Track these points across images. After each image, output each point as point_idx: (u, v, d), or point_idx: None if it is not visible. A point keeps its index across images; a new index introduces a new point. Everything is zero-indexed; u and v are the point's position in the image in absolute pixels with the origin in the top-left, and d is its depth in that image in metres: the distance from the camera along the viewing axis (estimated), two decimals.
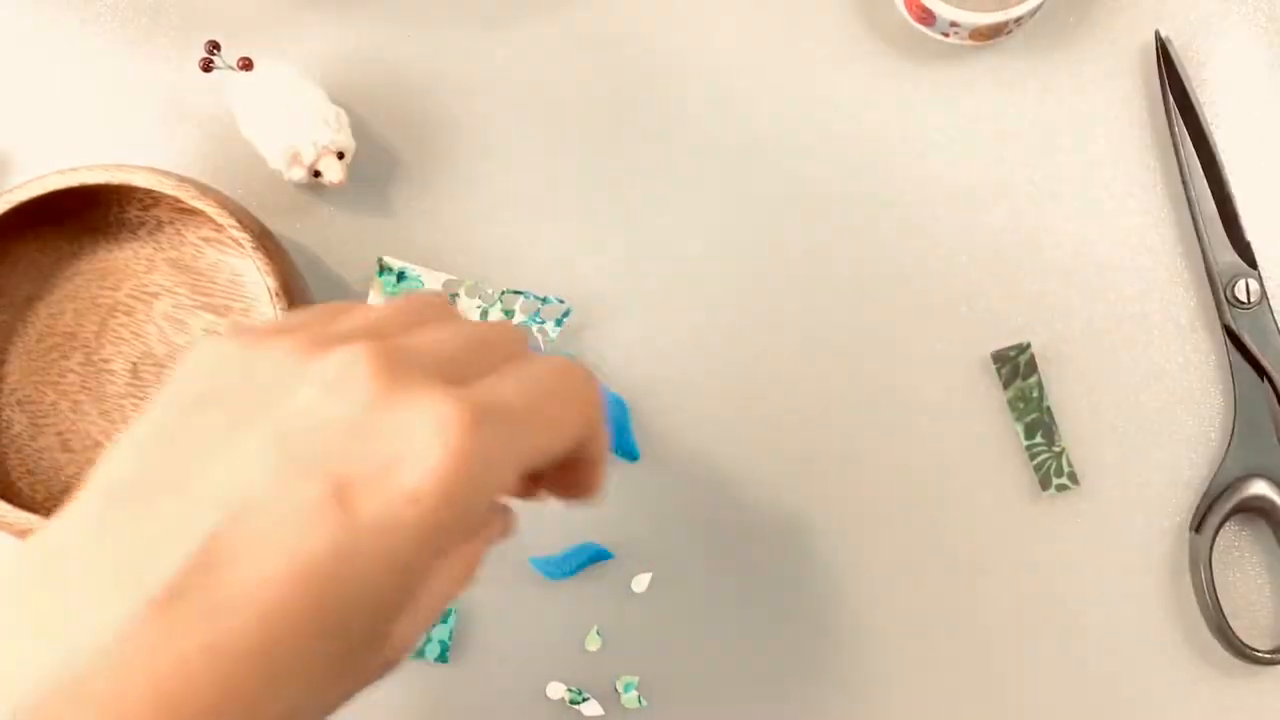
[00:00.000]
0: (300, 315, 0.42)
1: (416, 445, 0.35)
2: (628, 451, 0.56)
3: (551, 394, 0.40)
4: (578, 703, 0.55)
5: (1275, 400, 0.56)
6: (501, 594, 0.56)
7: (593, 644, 0.55)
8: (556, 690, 0.55)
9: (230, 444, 0.36)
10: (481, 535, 0.40)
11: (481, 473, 0.36)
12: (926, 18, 0.57)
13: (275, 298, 0.53)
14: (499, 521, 0.42)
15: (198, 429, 0.36)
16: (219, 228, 0.54)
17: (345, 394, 0.36)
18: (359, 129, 0.58)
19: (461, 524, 0.37)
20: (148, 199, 0.54)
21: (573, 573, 0.55)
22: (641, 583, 0.56)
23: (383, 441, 0.36)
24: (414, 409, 0.36)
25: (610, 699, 0.55)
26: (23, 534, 0.52)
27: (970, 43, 0.58)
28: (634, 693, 0.55)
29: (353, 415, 0.36)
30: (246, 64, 0.55)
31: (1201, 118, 0.57)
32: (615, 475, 0.56)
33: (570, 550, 0.55)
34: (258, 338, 0.39)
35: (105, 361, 0.55)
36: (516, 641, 0.55)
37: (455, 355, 0.40)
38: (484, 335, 0.41)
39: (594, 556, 0.55)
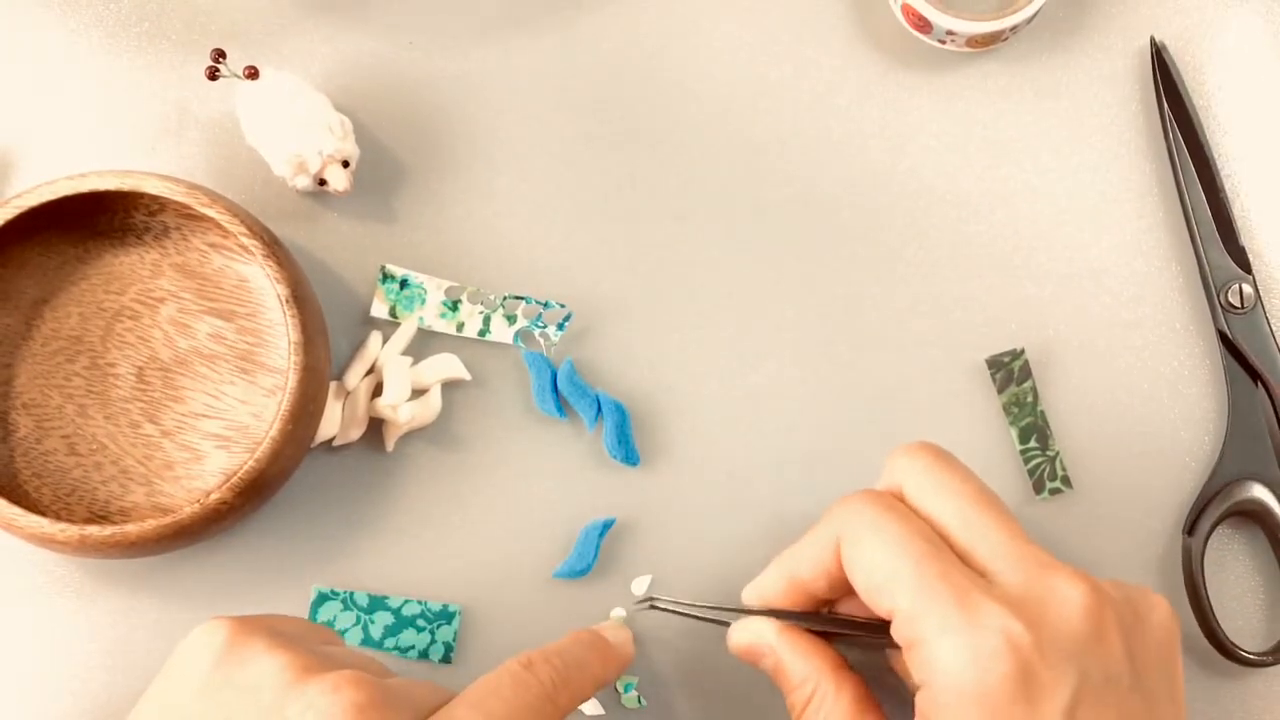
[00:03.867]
0: (296, 624, 0.48)
1: None
2: (628, 456, 0.56)
3: (515, 714, 0.44)
4: None
5: (1269, 404, 0.56)
6: (504, 596, 0.56)
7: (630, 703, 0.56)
8: None
9: None
10: None
11: None
12: (923, 25, 0.58)
13: (287, 305, 0.53)
14: None
15: None
16: (225, 233, 0.54)
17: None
18: (363, 136, 0.58)
19: None
20: (154, 205, 0.55)
21: (596, 557, 0.55)
22: (641, 584, 0.56)
23: None
24: None
25: (610, 699, 0.56)
26: (32, 538, 0.52)
27: (966, 50, 0.59)
28: (634, 693, 0.55)
29: None
30: (252, 72, 0.56)
31: (1196, 123, 0.58)
32: (616, 480, 0.57)
33: (580, 541, 0.56)
34: (261, 639, 0.44)
35: (111, 365, 0.56)
36: (519, 643, 0.55)
37: (426, 699, 0.44)
38: (443, 690, 0.45)
39: (604, 530, 0.56)
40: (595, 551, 0.55)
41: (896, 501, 0.47)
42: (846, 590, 0.48)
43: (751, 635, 0.49)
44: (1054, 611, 0.43)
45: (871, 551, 0.45)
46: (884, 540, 0.45)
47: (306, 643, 0.46)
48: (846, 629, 0.49)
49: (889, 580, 0.44)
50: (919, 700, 0.44)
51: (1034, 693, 0.42)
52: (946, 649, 0.43)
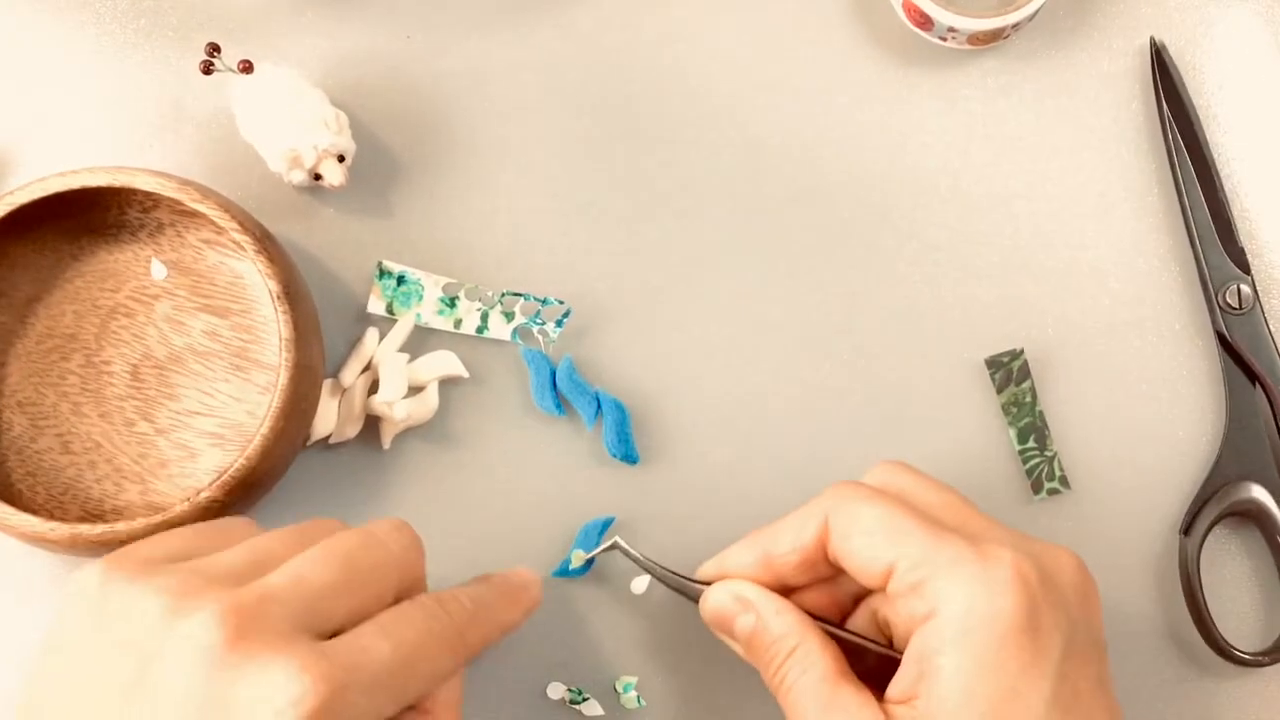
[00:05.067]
0: (181, 538, 0.45)
1: None
2: (627, 455, 0.56)
3: (428, 645, 0.43)
4: (578, 703, 0.55)
5: (1267, 405, 0.56)
6: None
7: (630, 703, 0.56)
8: (557, 690, 0.55)
9: (115, 714, 0.40)
10: None
11: None
12: (924, 22, 0.58)
13: (278, 300, 0.53)
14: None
15: (90, 691, 0.41)
16: (219, 230, 0.54)
17: (199, 662, 0.40)
18: (359, 131, 0.58)
19: None
20: (148, 201, 0.54)
21: (592, 558, 0.55)
22: (641, 584, 0.56)
23: (241, 714, 0.39)
24: (264, 681, 0.39)
25: (610, 699, 0.56)
26: (23, 536, 0.52)
27: (968, 47, 0.59)
28: (633, 693, 0.55)
29: (207, 688, 0.39)
30: (247, 66, 0.55)
31: (1196, 122, 0.58)
32: (615, 478, 0.57)
33: (579, 539, 0.56)
34: (132, 578, 0.42)
35: (105, 363, 0.55)
36: (516, 641, 0.56)
37: (322, 589, 0.42)
38: (353, 557, 0.44)
39: (603, 529, 0.56)
40: (595, 550, 0.55)
41: (886, 490, 0.48)
42: (812, 577, 0.49)
43: (730, 594, 0.49)
44: (1051, 566, 0.46)
45: (870, 517, 0.46)
46: (881, 508, 0.46)
47: (195, 556, 0.44)
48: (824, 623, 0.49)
49: (892, 536, 0.45)
50: (918, 637, 0.45)
51: (1040, 633, 0.44)
52: (961, 580, 0.44)
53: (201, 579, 0.42)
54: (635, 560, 0.53)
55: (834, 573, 0.49)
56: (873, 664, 0.48)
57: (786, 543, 0.48)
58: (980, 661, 0.43)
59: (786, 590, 0.50)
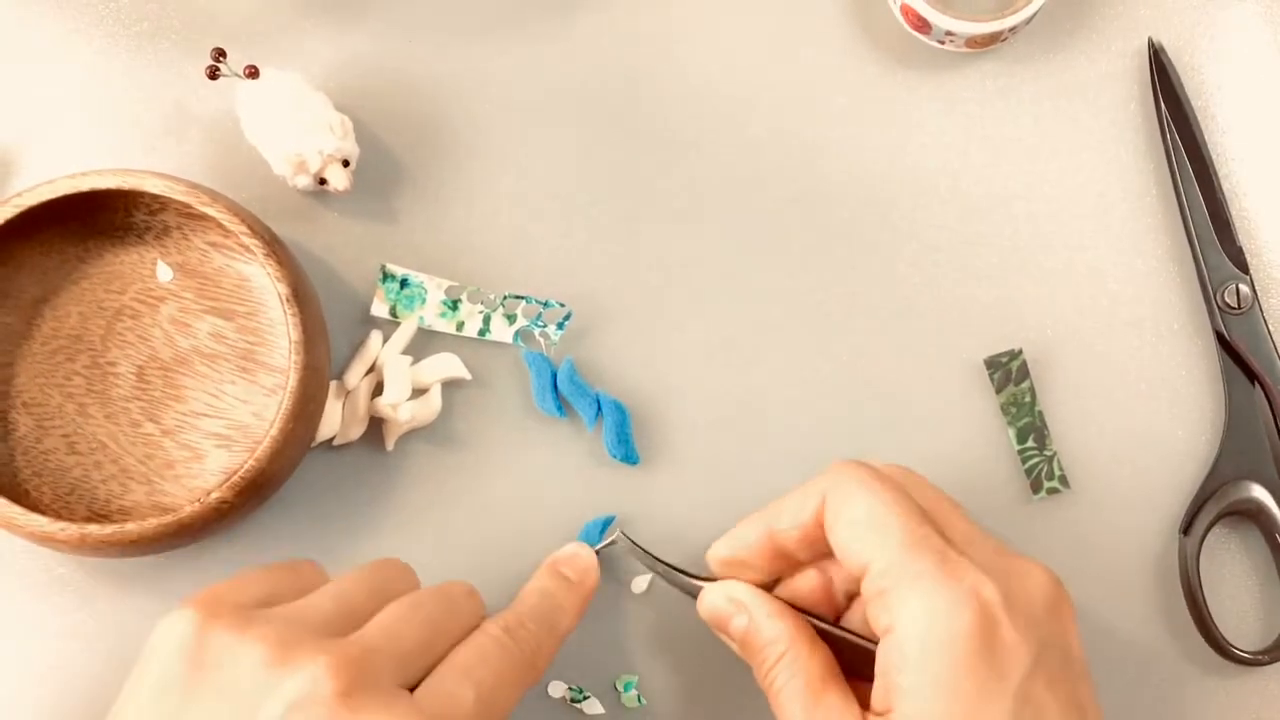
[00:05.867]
0: (265, 580, 0.46)
1: None
2: (627, 456, 0.56)
3: (504, 679, 0.46)
4: (579, 701, 0.56)
5: (1266, 404, 0.56)
6: (504, 595, 0.56)
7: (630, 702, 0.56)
8: (558, 689, 0.56)
9: None
10: None
11: None
12: (922, 26, 0.58)
13: (287, 303, 0.53)
14: None
15: None
16: (226, 233, 0.54)
17: (315, 715, 0.41)
18: (362, 136, 0.58)
19: None
20: (155, 204, 0.55)
21: (598, 552, 0.56)
22: (641, 583, 0.56)
23: None
24: None
25: (610, 699, 0.56)
26: (32, 536, 0.52)
27: (966, 50, 0.59)
28: (634, 692, 0.56)
29: None
30: (252, 72, 0.56)
31: (1194, 123, 0.58)
32: (616, 479, 0.57)
33: (580, 539, 0.56)
34: (229, 628, 0.43)
35: (111, 365, 0.56)
36: None
37: (414, 644, 0.44)
38: (435, 611, 0.46)
39: (604, 528, 0.56)
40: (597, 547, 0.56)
41: (885, 474, 0.48)
42: (814, 553, 0.49)
43: (723, 595, 0.50)
44: (1020, 584, 0.45)
45: (860, 506, 0.46)
46: (873, 497, 0.46)
47: (279, 600, 0.45)
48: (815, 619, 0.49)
49: (873, 533, 0.46)
50: (882, 650, 0.45)
51: (997, 654, 0.44)
52: (919, 596, 0.44)
53: (300, 629, 0.43)
54: (638, 554, 0.53)
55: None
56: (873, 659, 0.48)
57: (787, 519, 0.49)
58: (937, 683, 0.43)
59: (794, 565, 0.50)
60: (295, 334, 0.53)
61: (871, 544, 0.46)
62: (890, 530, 0.45)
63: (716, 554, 0.51)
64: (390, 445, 0.57)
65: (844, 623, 0.50)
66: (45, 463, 0.55)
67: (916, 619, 0.44)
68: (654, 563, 0.53)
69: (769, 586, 0.51)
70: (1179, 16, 0.60)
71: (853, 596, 0.50)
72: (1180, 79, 0.58)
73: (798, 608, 0.49)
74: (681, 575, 0.52)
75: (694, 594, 0.51)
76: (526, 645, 0.47)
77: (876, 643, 0.47)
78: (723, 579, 0.50)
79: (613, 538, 0.54)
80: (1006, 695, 0.43)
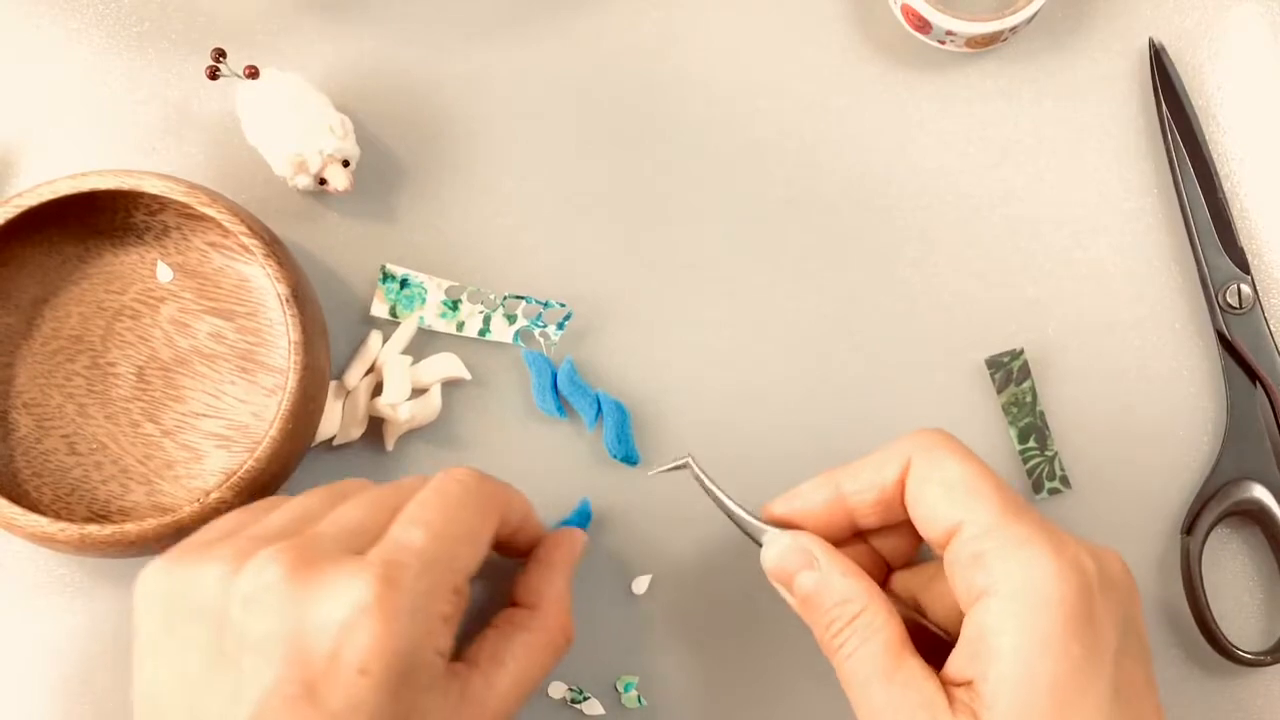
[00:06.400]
0: (230, 520, 0.48)
1: (346, 625, 0.42)
2: (627, 455, 0.56)
3: (453, 515, 0.46)
4: (579, 702, 0.55)
5: (1267, 404, 0.56)
6: (503, 593, 0.56)
7: (631, 703, 0.56)
8: (558, 689, 0.56)
9: (209, 685, 0.43)
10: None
11: (413, 618, 0.43)
12: (923, 26, 0.58)
13: (287, 304, 0.53)
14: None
15: (182, 673, 0.43)
16: (226, 233, 0.54)
17: (269, 602, 0.42)
18: (362, 136, 0.58)
19: (419, 666, 0.43)
20: (154, 204, 0.55)
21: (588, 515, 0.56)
22: (641, 584, 0.56)
23: (320, 633, 0.42)
24: (331, 594, 0.42)
25: (610, 699, 0.56)
26: (32, 537, 0.52)
27: (966, 50, 0.59)
28: (634, 692, 0.56)
29: (284, 622, 0.42)
30: (252, 72, 0.56)
31: (1195, 123, 0.58)
32: (616, 479, 0.57)
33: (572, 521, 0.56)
34: (190, 561, 0.45)
35: (111, 365, 0.56)
36: None
37: (360, 522, 0.46)
38: (381, 493, 0.47)
39: (583, 518, 0.56)
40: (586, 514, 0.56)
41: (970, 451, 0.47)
42: (885, 519, 0.48)
43: (797, 547, 0.48)
44: (1106, 561, 0.45)
45: (954, 468, 0.46)
46: (966, 462, 0.46)
47: (244, 528, 0.46)
48: None
49: (971, 496, 0.45)
50: (975, 614, 0.44)
51: (1096, 626, 0.43)
52: (1025, 559, 0.43)
53: (255, 541, 0.44)
54: (703, 484, 0.50)
55: (905, 518, 0.48)
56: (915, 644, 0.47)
57: (865, 479, 0.48)
58: (1044, 644, 0.42)
59: (847, 536, 0.49)
60: (295, 334, 0.53)
61: (968, 506, 0.45)
62: (987, 494, 0.45)
63: (773, 513, 0.49)
64: (390, 445, 0.57)
65: None
66: (45, 463, 0.55)
67: (1022, 580, 0.43)
68: (719, 497, 0.50)
69: (859, 537, 0.50)
70: (1180, 16, 0.60)
71: (890, 571, 0.50)
72: (1181, 79, 0.58)
73: None
74: (747, 517, 0.49)
75: (757, 539, 0.49)
76: (471, 481, 0.47)
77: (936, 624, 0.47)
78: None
79: (681, 460, 0.51)
80: (1106, 663, 0.43)
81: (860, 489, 0.48)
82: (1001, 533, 0.44)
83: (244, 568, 0.43)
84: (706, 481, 0.51)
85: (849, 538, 0.50)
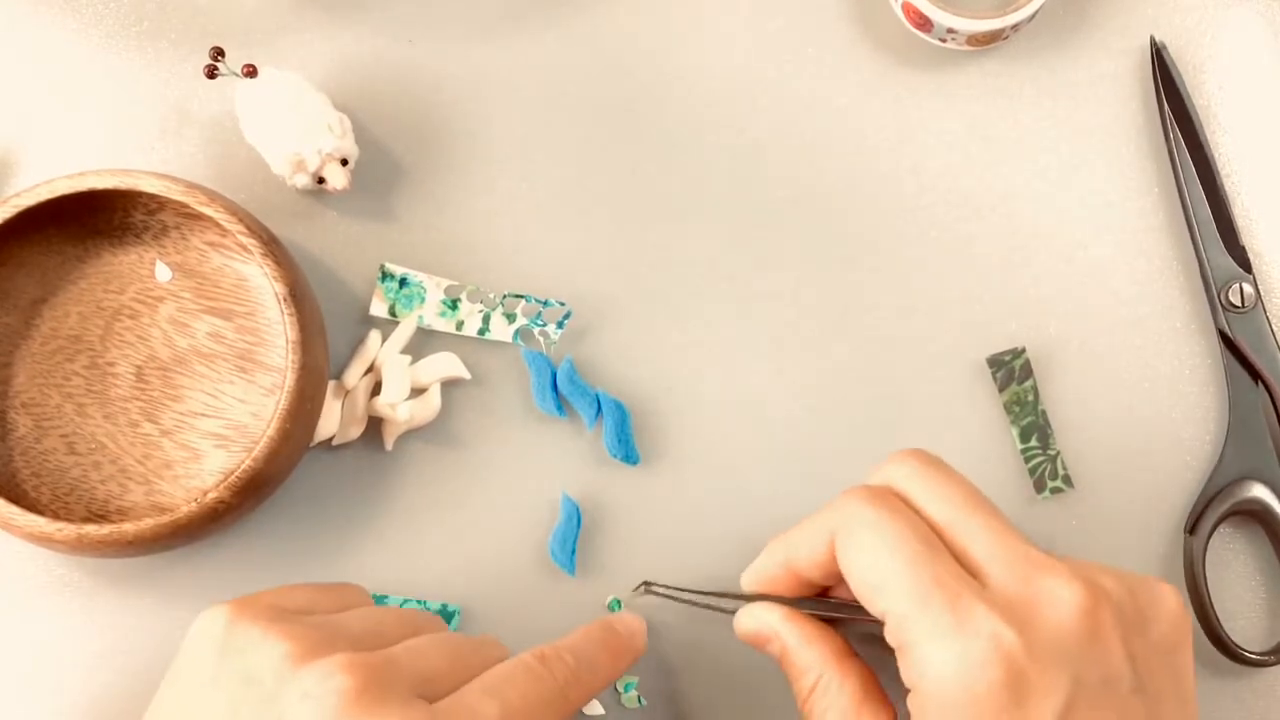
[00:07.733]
0: (303, 594, 0.48)
1: None
2: (627, 455, 0.56)
3: (533, 706, 0.45)
4: None
5: (1270, 404, 0.56)
6: (504, 594, 0.56)
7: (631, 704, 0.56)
8: None
9: None
10: None
11: None
12: (924, 24, 0.58)
13: (284, 303, 0.53)
14: None
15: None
16: (224, 232, 0.54)
17: (326, 709, 0.41)
18: (361, 135, 0.58)
19: None
20: (153, 204, 0.55)
21: (575, 541, 0.56)
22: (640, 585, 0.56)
23: None
24: None
25: (610, 699, 0.56)
26: (30, 537, 0.52)
27: (967, 48, 0.59)
28: (634, 692, 0.55)
29: None
30: (251, 71, 0.56)
31: (1197, 122, 0.58)
32: (616, 478, 0.57)
33: (560, 528, 0.56)
34: (261, 625, 0.44)
35: (110, 365, 0.56)
36: (519, 642, 0.55)
37: (437, 668, 0.45)
38: (466, 646, 0.47)
39: (573, 516, 0.56)
40: (577, 536, 0.56)
41: (895, 499, 0.46)
42: (841, 579, 0.48)
43: (756, 622, 0.49)
44: (1046, 614, 0.43)
45: (867, 551, 0.45)
46: (880, 540, 0.44)
47: (316, 612, 0.46)
48: (846, 613, 0.49)
49: (883, 582, 0.44)
50: (909, 704, 0.44)
51: (1024, 699, 0.42)
52: (935, 654, 0.42)
53: (327, 633, 0.44)
54: (669, 598, 0.54)
55: None
56: None
57: (804, 557, 0.48)
58: None
59: (826, 588, 0.49)
60: (292, 333, 0.53)
61: (884, 596, 0.44)
62: (900, 578, 0.43)
63: (745, 584, 0.50)
64: (389, 445, 0.57)
65: None
66: (44, 463, 0.55)
67: (936, 679, 0.42)
68: (689, 599, 0.53)
69: (824, 590, 0.50)
70: (1181, 15, 0.60)
71: None
72: (1182, 77, 0.58)
73: (839, 603, 0.49)
74: (718, 602, 0.52)
75: (732, 613, 0.51)
76: (559, 674, 0.46)
77: None
78: (762, 596, 0.50)
79: (639, 588, 0.55)
80: None
81: (802, 560, 0.48)
82: (913, 625, 0.43)
83: (313, 664, 0.42)
84: (672, 593, 0.54)
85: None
